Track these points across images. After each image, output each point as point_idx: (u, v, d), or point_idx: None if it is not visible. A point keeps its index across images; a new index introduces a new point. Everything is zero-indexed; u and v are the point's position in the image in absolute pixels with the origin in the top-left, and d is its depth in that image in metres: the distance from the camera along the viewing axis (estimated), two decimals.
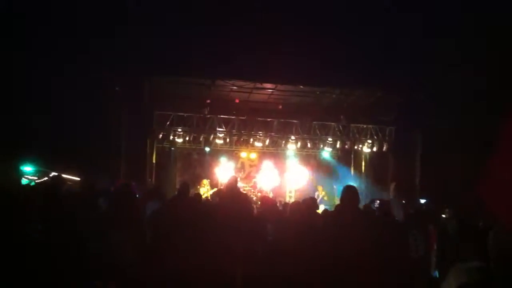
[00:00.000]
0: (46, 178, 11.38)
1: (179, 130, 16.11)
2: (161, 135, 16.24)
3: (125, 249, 5.29)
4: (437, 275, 4.69)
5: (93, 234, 5.32)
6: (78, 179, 12.17)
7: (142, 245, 5.59)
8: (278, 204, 9.29)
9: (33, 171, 12.53)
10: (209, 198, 15.04)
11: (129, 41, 12.11)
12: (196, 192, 12.71)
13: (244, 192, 10.68)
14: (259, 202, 14.87)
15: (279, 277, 5.05)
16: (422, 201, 13.28)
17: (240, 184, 16.94)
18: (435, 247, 5.30)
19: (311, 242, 4.91)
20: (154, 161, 16.59)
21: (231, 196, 6.14)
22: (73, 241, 5.09)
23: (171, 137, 16.25)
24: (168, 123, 16.00)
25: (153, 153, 16.58)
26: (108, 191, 7.90)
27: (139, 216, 6.25)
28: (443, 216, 6.92)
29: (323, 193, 17.04)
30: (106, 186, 9.31)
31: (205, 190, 16.55)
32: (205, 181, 16.88)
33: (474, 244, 5.09)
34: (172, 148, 17.42)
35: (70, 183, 10.64)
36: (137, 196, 7.64)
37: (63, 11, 11.30)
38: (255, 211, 8.57)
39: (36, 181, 11.57)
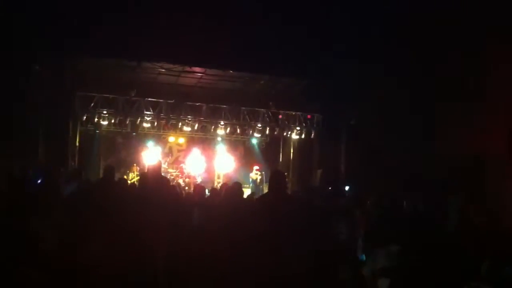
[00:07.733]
0: None
1: (104, 112, 15.50)
2: (84, 117, 15.58)
3: (45, 236, 5.05)
4: (364, 259, 4.83)
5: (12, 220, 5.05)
6: None
7: (64, 232, 5.35)
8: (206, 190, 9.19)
9: None
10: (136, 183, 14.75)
11: (52, 17, 11.46)
12: (121, 177, 12.31)
13: (167, 177, 10.42)
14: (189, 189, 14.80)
15: (204, 260, 5.00)
16: (347, 187, 13.65)
17: (168, 170, 16.77)
18: (362, 232, 5.46)
19: (237, 225, 4.88)
20: (77, 144, 15.91)
21: (154, 181, 5.98)
22: None
23: (96, 120, 15.62)
24: (92, 105, 15.32)
25: (76, 136, 15.88)
26: (26, 176, 7.55)
27: (60, 201, 6.01)
28: (369, 202, 7.14)
29: (257, 175, 17.16)
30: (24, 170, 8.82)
31: (134, 176, 16.19)
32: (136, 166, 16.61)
33: (395, 229, 5.28)
34: (97, 131, 16.79)
35: None
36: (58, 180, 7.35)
37: None
38: (182, 194, 8.46)
39: None
